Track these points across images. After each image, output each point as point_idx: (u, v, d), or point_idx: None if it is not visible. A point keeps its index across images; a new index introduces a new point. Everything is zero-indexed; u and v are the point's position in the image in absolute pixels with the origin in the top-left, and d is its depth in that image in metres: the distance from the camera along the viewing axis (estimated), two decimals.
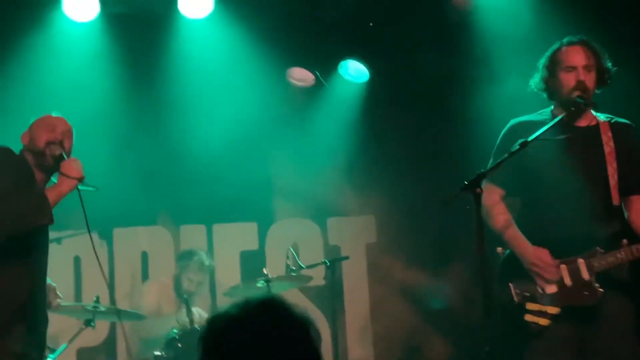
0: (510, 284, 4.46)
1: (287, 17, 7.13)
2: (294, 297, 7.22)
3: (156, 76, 7.14)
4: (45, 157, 4.11)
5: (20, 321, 4.01)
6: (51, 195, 3.97)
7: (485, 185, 3.95)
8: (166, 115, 7.31)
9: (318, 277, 6.92)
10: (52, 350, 5.87)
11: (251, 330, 1.90)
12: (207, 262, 6.92)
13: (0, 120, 6.48)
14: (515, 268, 4.48)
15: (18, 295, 3.99)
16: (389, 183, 7.56)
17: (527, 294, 4.43)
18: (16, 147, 4.18)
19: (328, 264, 6.58)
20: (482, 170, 3.71)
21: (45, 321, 4.22)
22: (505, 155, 3.92)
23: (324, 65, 7.50)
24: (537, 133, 3.98)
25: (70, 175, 4.03)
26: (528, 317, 4.39)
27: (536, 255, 4.40)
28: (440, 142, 7.39)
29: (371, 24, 7.23)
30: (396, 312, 7.48)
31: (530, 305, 4.41)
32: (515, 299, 4.42)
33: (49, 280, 4.45)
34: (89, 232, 4.24)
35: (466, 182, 3.67)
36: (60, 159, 4.09)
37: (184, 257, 6.95)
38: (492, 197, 4.52)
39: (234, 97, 7.27)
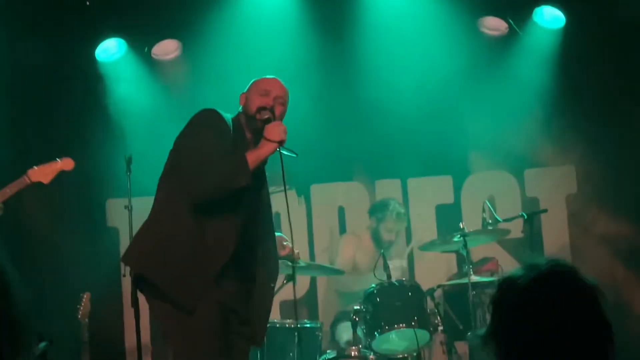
0: None
1: None
2: (492, 250, 7.13)
3: (346, 31, 7.19)
4: (255, 120, 4.21)
5: (229, 275, 4.14)
6: (251, 158, 4.03)
7: None
8: (357, 71, 7.35)
9: (516, 230, 6.78)
10: None
11: (543, 298, 1.92)
12: (402, 210, 6.96)
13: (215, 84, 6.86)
14: None
15: (226, 249, 4.10)
16: (589, 132, 7.28)
17: None
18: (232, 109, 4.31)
19: (525, 217, 6.43)
20: None
21: (273, 275, 4.36)
22: None
23: (518, 12, 7.28)
24: None
25: (271, 138, 4.08)
26: None
27: None
28: None
29: None
30: (600, 265, 7.23)
31: None
32: None
33: (279, 233, 4.63)
34: (285, 191, 4.31)
35: None
36: (267, 122, 4.16)
37: (380, 208, 6.99)
38: None
39: (426, 49, 7.23)
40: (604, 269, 7.23)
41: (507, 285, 1.97)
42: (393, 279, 5.99)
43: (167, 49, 7.38)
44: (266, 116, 4.18)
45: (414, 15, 7.26)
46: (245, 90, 4.35)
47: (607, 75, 7.13)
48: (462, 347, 6.51)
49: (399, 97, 7.16)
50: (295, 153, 4.31)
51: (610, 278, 7.22)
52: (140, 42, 7.35)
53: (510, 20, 7.29)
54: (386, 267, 5.95)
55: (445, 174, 7.61)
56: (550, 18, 7.20)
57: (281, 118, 4.25)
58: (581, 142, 7.30)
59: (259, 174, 4.21)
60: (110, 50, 7.29)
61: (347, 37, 7.25)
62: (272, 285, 4.39)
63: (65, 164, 5.81)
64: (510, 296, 1.95)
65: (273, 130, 4.10)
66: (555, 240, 7.44)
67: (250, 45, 7.13)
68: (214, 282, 4.08)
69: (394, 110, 7.17)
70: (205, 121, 4.17)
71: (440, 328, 5.94)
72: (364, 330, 5.78)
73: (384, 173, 7.56)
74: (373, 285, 5.91)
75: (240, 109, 4.32)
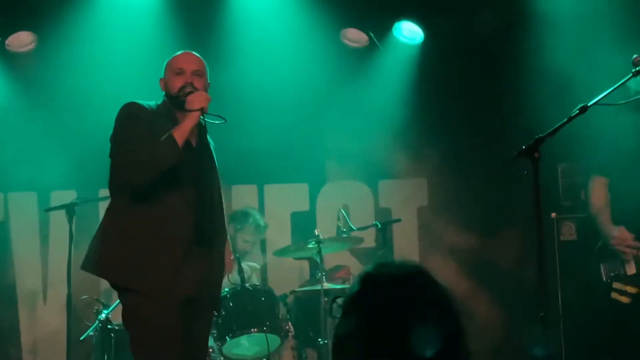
0: (600, 264, 5.20)
1: None
2: (345, 259, 7.24)
3: (210, 33, 7.13)
4: (180, 101, 4.20)
5: (181, 243, 4.16)
6: (177, 133, 4.05)
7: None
8: (219, 75, 7.28)
9: (369, 239, 6.91)
10: (107, 306, 5.98)
11: (406, 293, 1.91)
12: (262, 223, 6.96)
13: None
14: (607, 252, 5.20)
15: (186, 228, 4.16)
16: (442, 146, 7.50)
17: (612, 274, 5.14)
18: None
19: (379, 226, 6.56)
20: (540, 135, 3.64)
21: (223, 240, 4.45)
22: (564, 119, 3.84)
23: (378, 26, 7.43)
24: (597, 98, 3.89)
25: (192, 108, 4.09)
26: (613, 295, 5.09)
27: (615, 231, 5.14)
28: (495, 104, 7.30)
29: None
30: (447, 276, 7.44)
31: (616, 284, 5.09)
32: (604, 278, 5.14)
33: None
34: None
35: (524, 147, 3.61)
36: (189, 95, 4.16)
37: (240, 218, 6.97)
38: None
39: (289, 56, 7.25)
40: (450, 279, 7.43)
41: (368, 281, 1.95)
42: (246, 284, 5.98)
43: (21, 41, 7.13)
44: (188, 90, 4.18)
45: (278, 23, 7.27)
46: (163, 75, 4.34)
47: (462, 90, 7.36)
48: (311, 353, 6.55)
49: (259, 104, 7.16)
50: (223, 118, 4.29)
51: (455, 288, 7.45)
52: None
53: (370, 34, 7.42)
54: (240, 271, 5.94)
55: (301, 182, 7.67)
56: (409, 33, 7.37)
57: (206, 89, 4.27)
58: (434, 155, 7.51)
59: (197, 145, 4.25)
60: None
61: (210, 38, 7.19)
62: (222, 250, 4.44)
63: None
64: (373, 292, 1.93)
65: (193, 100, 4.11)
66: (406, 251, 7.61)
67: (109, 39, 6.99)
68: (180, 266, 4.11)
69: (253, 116, 7.15)
70: (125, 115, 4.19)
71: (291, 334, 5.98)
72: (215, 334, 5.75)
73: (241, 178, 7.56)
74: (226, 289, 5.88)
75: (163, 95, 4.31)
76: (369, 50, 7.48)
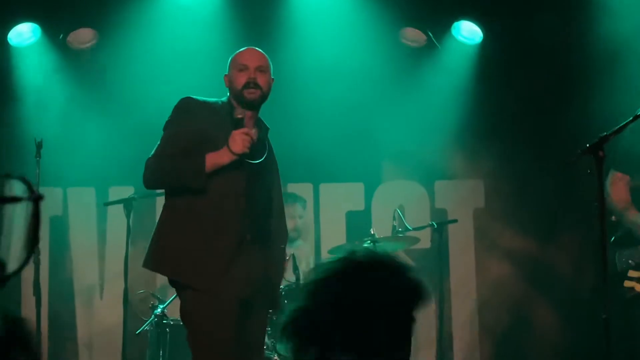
0: (617, 253, 5.03)
1: None
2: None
3: (269, 31, 7.14)
4: (244, 97, 4.24)
5: (234, 241, 4.15)
6: (210, 161, 4.08)
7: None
8: (277, 75, 7.30)
9: (424, 240, 6.85)
10: (162, 301, 6.02)
11: (349, 284, 1.93)
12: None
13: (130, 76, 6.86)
14: (625, 241, 5.06)
15: (228, 217, 4.14)
16: (500, 148, 7.41)
17: (632, 262, 5.02)
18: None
19: (435, 226, 6.51)
20: (605, 133, 3.58)
21: (282, 238, 4.43)
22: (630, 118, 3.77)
23: (437, 25, 7.37)
24: None
25: (233, 150, 4.09)
26: (627, 283, 4.98)
27: None
28: (555, 107, 7.20)
29: None
30: (503, 279, 7.36)
31: (632, 273, 4.99)
32: (618, 267, 5.00)
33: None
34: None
35: (588, 145, 3.55)
36: (238, 122, 4.17)
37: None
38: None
39: (345, 56, 7.24)
40: (506, 284, 7.36)
41: (319, 266, 1.99)
42: (301, 282, 5.97)
43: (82, 37, 7.22)
44: (239, 116, 4.19)
45: (336, 22, 7.27)
46: (227, 71, 4.37)
47: (519, 92, 7.27)
48: None
49: (316, 102, 7.16)
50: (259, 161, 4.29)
51: (512, 294, 7.36)
52: (56, 28, 7.17)
53: (429, 33, 7.37)
54: (295, 269, 5.93)
55: (357, 181, 7.64)
56: (468, 33, 7.30)
57: (267, 86, 4.31)
58: (491, 157, 7.42)
59: (257, 144, 4.24)
60: (24, 35, 7.09)
61: (267, 39, 7.20)
62: (282, 247, 4.45)
63: None
64: (318, 276, 1.97)
65: (237, 142, 4.09)
66: (461, 253, 7.55)
67: (168, 39, 7.06)
68: (231, 265, 4.10)
69: (310, 114, 7.16)
70: (174, 113, 4.24)
71: None
72: (269, 332, 5.72)
73: (296, 176, 7.55)
74: (280, 287, 5.87)
75: (228, 92, 4.33)
76: (428, 49, 7.43)
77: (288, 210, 6.76)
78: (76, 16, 7.14)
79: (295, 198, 7.03)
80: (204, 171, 4.05)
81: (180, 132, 4.16)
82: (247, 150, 4.09)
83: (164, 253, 4.20)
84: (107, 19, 7.08)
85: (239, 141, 4.08)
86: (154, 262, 4.26)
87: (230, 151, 4.08)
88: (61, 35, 7.14)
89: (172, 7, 7.10)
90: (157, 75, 6.98)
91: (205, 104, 4.26)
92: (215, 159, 4.08)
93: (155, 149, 4.21)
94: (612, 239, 5.12)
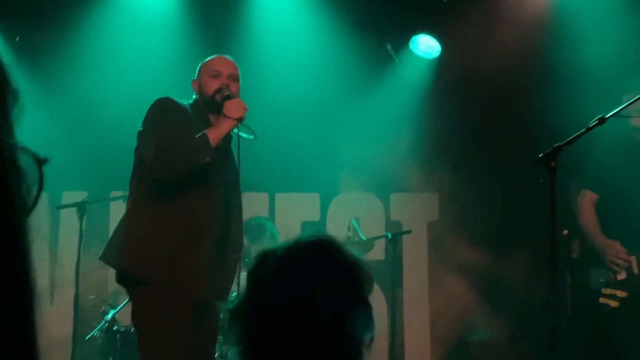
0: (591, 270, 5.45)
1: None
2: None
3: (227, 39, 7.11)
4: (215, 103, 4.24)
5: (204, 243, 4.19)
6: (211, 134, 4.09)
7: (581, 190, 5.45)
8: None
9: (379, 251, 6.88)
10: (114, 307, 5.96)
11: (295, 271, 1.87)
12: (276, 233, 6.95)
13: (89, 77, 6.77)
14: (594, 258, 5.47)
15: (200, 219, 4.17)
16: (455, 161, 7.47)
17: (602, 280, 5.38)
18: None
19: (390, 237, 6.54)
20: (558, 143, 3.62)
21: (239, 246, 4.43)
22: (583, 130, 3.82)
23: (396, 39, 7.42)
24: (617, 109, 3.86)
25: (230, 115, 4.13)
26: (602, 300, 5.32)
27: (609, 245, 5.37)
28: (510, 121, 7.28)
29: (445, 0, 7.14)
30: (455, 290, 7.41)
31: (605, 290, 5.33)
32: (592, 284, 5.38)
33: None
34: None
35: (541, 155, 3.59)
36: (227, 98, 4.20)
37: (255, 232, 6.89)
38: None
39: (302, 68, 7.25)
40: (459, 296, 7.41)
41: (264, 256, 1.92)
42: None
43: (38, 38, 7.14)
44: (226, 93, 4.22)
45: (294, 34, 7.29)
46: (196, 76, 4.37)
47: (475, 107, 7.34)
48: None
49: (273, 112, 7.14)
50: (254, 134, 4.33)
51: (465, 305, 7.41)
52: (11, 30, 7.09)
53: (388, 46, 7.41)
54: None
55: (313, 191, 7.66)
56: (426, 47, 7.36)
57: (238, 94, 4.32)
58: (446, 171, 7.48)
59: (224, 150, 4.28)
60: None
61: (227, 44, 7.15)
62: (237, 256, 4.44)
63: None
64: (264, 266, 1.90)
65: (232, 107, 4.15)
66: (415, 265, 7.58)
67: (124, 41, 7.02)
68: (208, 267, 4.14)
69: (267, 124, 7.12)
70: (159, 107, 4.23)
71: None
72: (220, 341, 5.70)
73: (252, 186, 7.52)
74: (234, 294, 5.84)
75: (195, 95, 4.34)
76: (385, 62, 7.48)
77: (259, 247, 6.77)
78: (32, 18, 7.07)
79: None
80: (210, 143, 4.06)
81: (173, 121, 4.16)
82: (243, 115, 4.16)
83: (133, 250, 4.16)
84: (63, 19, 7.01)
85: (235, 107, 4.14)
86: (119, 258, 4.22)
87: (228, 117, 4.12)
88: (17, 37, 7.06)
89: (129, 8, 7.06)
90: (112, 79, 6.94)
91: (179, 103, 4.28)
92: (216, 130, 4.12)
93: (152, 145, 4.13)
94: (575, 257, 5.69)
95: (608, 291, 5.35)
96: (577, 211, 5.66)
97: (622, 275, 5.35)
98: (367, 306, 1.87)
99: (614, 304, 5.29)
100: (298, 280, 1.85)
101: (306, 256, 1.90)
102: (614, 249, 5.39)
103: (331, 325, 1.81)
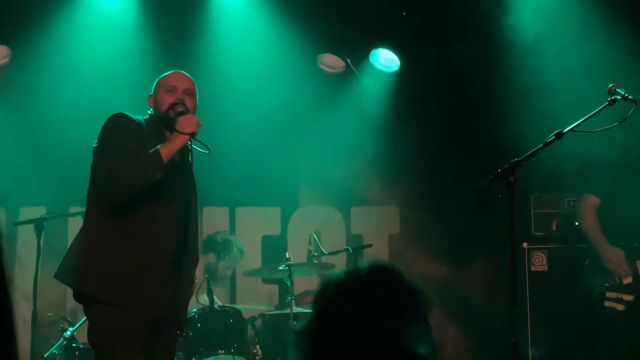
0: (592, 275, 5.55)
1: (321, 2, 7.08)
2: (315, 285, 7.18)
3: (186, 52, 7.09)
4: (169, 119, 4.21)
5: (162, 260, 4.16)
6: (163, 151, 4.05)
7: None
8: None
9: (340, 265, 6.86)
10: (72, 324, 5.89)
11: (360, 297, 1.94)
12: (242, 248, 6.93)
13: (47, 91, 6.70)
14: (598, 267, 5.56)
15: (158, 235, 4.14)
16: (415, 174, 7.51)
17: (607, 284, 5.47)
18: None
19: (351, 251, 6.54)
20: (516, 159, 3.65)
21: (194, 261, 4.41)
22: (540, 145, 3.85)
23: (355, 52, 7.45)
24: (573, 125, 3.91)
25: (182, 130, 4.09)
26: (607, 304, 5.44)
27: (611, 251, 5.50)
28: (469, 135, 7.33)
29: (404, 13, 7.17)
30: None
31: (609, 294, 5.44)
32: (595, 290, 5.48)
33: None
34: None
35: (499, 170, 3.61)
36: (181, 114, 4.17)
37: (223, 248, 6.85)
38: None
39: (262, 80, 7.24)
40: None
41: (328, 282, 2.00)
42: (215, 305, 5.92)
43: None
44: (180, 109, 4.19)
45: (253, 47, 7.27)
46: (152, 92, 4.36)
47: (435, 120, 7.38)
48: None
49: (233, 125, 7.12)
50: (208, 149, 4.29)
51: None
52: None
53: (347, 60, 7.44)
54: (210, 292, 5.88)
55: (273, 205, 7.64)
56: (386, 61, 7.40)
57: (193, 110, 4.30)
58: (407, 184, 7.51)
59: (179, 165, 4.26)
60: None
61: (184, 60, 7.14)
62: (192, 272, 4.43)
63: None
64: (329, 292, 1.98)
65: (184, 123, 4.12)
66: None
67: (83, 56, 6.95)
68: (164, 285, 4.12)
69: (227, 138, 7.11)
70: (112, 125, 4.19)
71: (259, 357, 5.92)
72: (181, 356, 5.67)
73: (213, 200, 7.50)
74: (194, 310, 5.82)
75: (150, 111, 4.33)
76: (345, 76, 7.50)
77: (227, 263, 6.77)
78: None
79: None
80: (163, 159, 4.03)
81: (125, 140, 4.13)
82: (196, 130, 4.13)
83: (88, 269, 4.12)
84: (21, 35, 6.94)
85: (187, 122, 4.11)
86: (74, 277, 4.17)
87: (181, 133, 4.09)
88: None
89: (87, 22, 6.98)
90: (72, 94, 6.87)
91: (135, 120, 4.25)
92: (168, 146, 4.08)
93: (103, 164, 4.14)
94: (587, 262, 5.67)
95: (613, 295, 5.46)
96: (580, 216, 5.78)
97: (628, 280, 5.48)
98: (428, 326, 1.99)
99: (619, 307, 5.40)
100: (363, 304, 1.93)
101: (371, 281, 1.98)
102: (616, 257, 5.50)
103: (396, 345, 1.91)
